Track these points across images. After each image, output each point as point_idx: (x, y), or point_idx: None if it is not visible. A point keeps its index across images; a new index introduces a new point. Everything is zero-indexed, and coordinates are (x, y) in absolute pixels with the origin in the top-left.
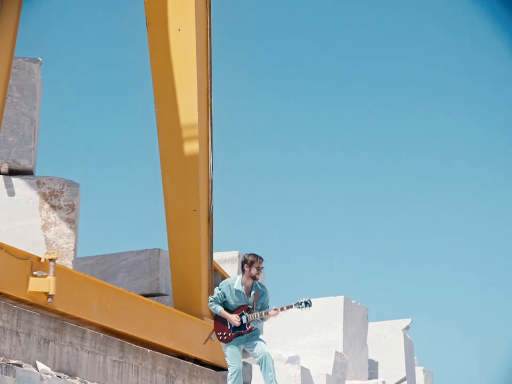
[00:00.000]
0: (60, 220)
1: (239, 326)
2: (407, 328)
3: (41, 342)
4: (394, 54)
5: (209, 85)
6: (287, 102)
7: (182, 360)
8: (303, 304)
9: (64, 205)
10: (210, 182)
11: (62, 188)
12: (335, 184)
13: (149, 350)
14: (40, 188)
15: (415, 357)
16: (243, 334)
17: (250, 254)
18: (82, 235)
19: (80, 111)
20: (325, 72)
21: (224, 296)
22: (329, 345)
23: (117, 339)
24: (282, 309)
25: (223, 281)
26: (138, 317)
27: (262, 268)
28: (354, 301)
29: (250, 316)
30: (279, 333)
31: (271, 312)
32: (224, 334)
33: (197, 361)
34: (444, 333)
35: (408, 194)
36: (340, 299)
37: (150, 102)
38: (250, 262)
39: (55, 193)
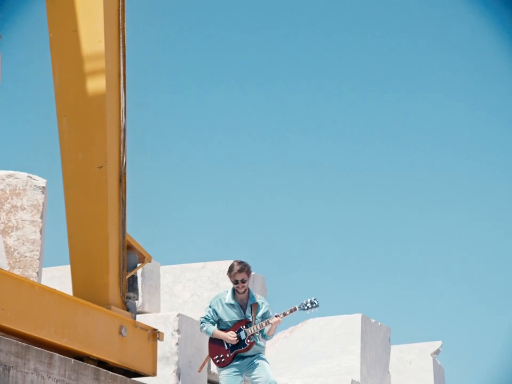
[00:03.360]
0: (22, 223)
1: (238, 344)
2: (437, 352)
3: (1, 369)
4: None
5: (121, 0)
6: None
7: None
8: (308, 305)
9: (28, 206)
10: (122, 131)
11: (25, 185)
12: (350, 189)
13: (128, 379)
14: None
15: None
16: (243, 352)
17: (234, 262)
18: (50, 241)
19: (48, 95)
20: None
21: (216, 314)
22: (344, 373)
23: (92, 365)
24: (285, 314)
25: (213, 297)
26: (13, 303)
27: (244, 280)
28: (374, 320)
29: (250, 330)
30: (284, 359)
31: (272, 320)
32: (221, 356)
33: (101, 363)
34: (481, 357)
35: (436, 204)
36: (357, 317)
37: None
38: (228, 274)
39: (17, 191)
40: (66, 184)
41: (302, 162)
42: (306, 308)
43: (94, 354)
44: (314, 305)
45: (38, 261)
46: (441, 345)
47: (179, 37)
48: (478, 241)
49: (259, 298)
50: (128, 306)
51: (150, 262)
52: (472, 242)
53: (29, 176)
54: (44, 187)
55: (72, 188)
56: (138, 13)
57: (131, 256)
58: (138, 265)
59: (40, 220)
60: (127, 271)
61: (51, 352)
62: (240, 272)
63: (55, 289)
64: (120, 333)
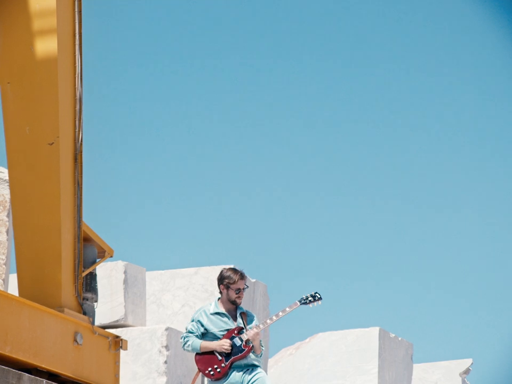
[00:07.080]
0: None
1: (233, 351)
2: (467, 371)
3: None
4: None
5: None
6: None
7: None
8: (310, 298)
9: None
10: (78, 101)
11: None
12: (365, 192)
13: None
14: None
15: None
16: (241, 357)
17: (228, 269)
18: None
19: None
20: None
21: (202, 325)
22: None
23: None
24: (284, 311)
25: (194, 312)
26: None
27: (245, 288)
28: (393, 335)
29: (245, 335)
30: (289, 379)
31: (273, 318)
32: (216, 367)
33: (52, 376)
34: None
35: (462, 213)
36: (375, 331)
37: (114, 77)
38: (226, 283)
39: None
40: (11, 164)
41: (305, 164)
42: (308, 301)
43: (43, 366)
44: (317, 297)
45: (4, 266)
46: (472, 363)
47: None
48: (510, 251)
49: (246, 310)
50: (85, 309)
51: (111, 256)
52: (504, 252)
53: None
54: None
55: (17, 168)
56: None
57: (89, 250)
58: (98, 260)
59: (7, 219)
60: (84, 267)
61: (19, 372)
62: (242, 279)
63: None
64: (75, 340)
